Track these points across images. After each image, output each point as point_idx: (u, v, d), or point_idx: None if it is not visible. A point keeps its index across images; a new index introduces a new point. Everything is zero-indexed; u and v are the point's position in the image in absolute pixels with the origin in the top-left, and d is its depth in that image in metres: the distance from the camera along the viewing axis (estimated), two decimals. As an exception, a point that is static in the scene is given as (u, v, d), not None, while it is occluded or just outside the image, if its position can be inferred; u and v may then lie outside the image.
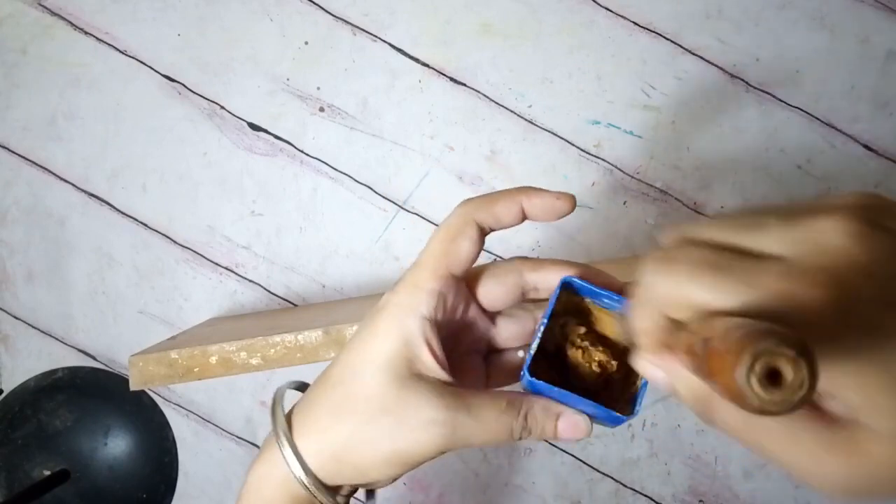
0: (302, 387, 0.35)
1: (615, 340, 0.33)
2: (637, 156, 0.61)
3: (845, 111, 0.60)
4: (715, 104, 0.61)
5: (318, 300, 0.61)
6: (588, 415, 0.30)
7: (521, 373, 0.30)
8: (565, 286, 0.31)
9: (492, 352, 0.35)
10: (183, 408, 0.61)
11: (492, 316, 0.34)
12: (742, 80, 0.61)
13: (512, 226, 0.31)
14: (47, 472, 0.61)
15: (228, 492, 0.61)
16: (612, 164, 0.61)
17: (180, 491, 0.61)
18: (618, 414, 0.29)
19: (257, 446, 0.61)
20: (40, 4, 0.61)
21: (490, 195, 0.31)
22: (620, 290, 0.31)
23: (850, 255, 0.20)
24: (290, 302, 0.61)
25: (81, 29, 0.61)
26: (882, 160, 0.61)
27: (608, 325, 0.33)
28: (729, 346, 0.18)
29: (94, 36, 0.61)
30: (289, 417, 0.32)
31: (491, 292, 0.32)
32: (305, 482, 0.30)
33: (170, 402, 0.61)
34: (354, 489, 0.32)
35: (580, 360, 0.32)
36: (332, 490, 0.31)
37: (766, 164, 0.61)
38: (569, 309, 0.32)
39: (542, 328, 0.30)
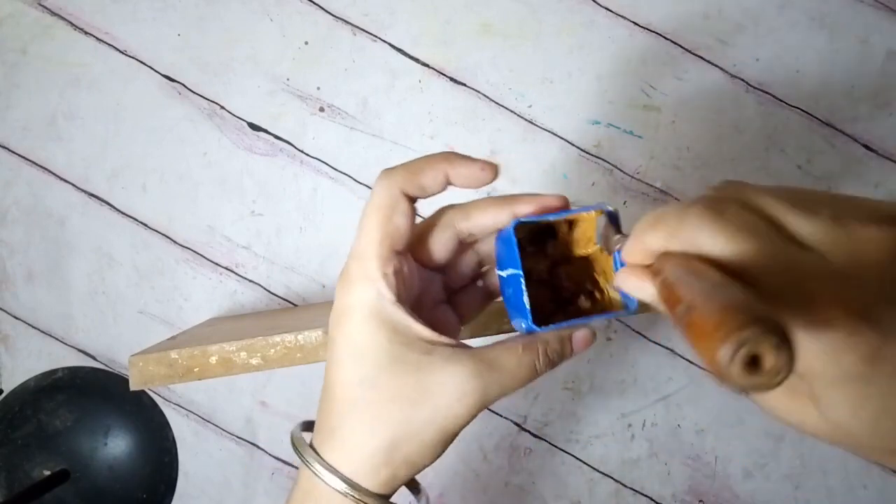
0: (311, 425, 0.34)
1: (583, 240, 0.34)
2: (637, 156, 0.61)
3: (845, 111, 0.60)
4: (715, 104, 0.61)
5: (318, 300, 0.61)
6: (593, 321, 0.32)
7: (524, 326, 0.31)
8: (517, 230, 0.31)
9: (451, 293, 0.36)
10: (183, 408, 0.61)
11: (440, 266, 0.34)
12: (742, 80, 0.61)
13: (437, 193, 0.31)
14: (47, 472, 0.61)
15: (228, 492, 0.61)
16: (612, 164, 0.61)
17: (180, 491, 0.61)
18: (614, 312, 0.32)
19: (257, 446, 0.61)
20: (40, 4, 0.61)
21: (413, 164, 0.31)
22: (563, 205, 0.31)
23: (884, 274, 0.21)
24: (290, 302, 0.61)
25: (81, 29, 0.61)
26: (882, 160, 0.61)
27: (576, 231, 0.34)
28: (714, 319, 0.18)
29: (94, 36, 0.61)
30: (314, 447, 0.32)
31: (433, 253, 0.33)
32: (355, 495, 0.29)
33: (170, 402, 0.61)
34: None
35: (567, 282, 0.33)
36: (384, 496, 0.30)
37: (766, 164, 0.61)
38: (529, 236, 0.33)
39: (521, 282, 0.30)
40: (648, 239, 0.25)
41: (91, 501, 0.61)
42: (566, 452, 0.61)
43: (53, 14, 0.61)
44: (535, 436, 0.61)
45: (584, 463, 0.61)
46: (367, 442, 0.29)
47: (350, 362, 0.30)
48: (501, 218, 0.32)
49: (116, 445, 0.61)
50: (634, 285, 0.26)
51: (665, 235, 0.24)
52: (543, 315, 0.31)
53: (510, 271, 0.31)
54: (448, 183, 0.31)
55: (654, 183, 0.61)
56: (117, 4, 0.61)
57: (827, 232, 0.22)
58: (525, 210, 0.31)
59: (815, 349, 0.21)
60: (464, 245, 0.34)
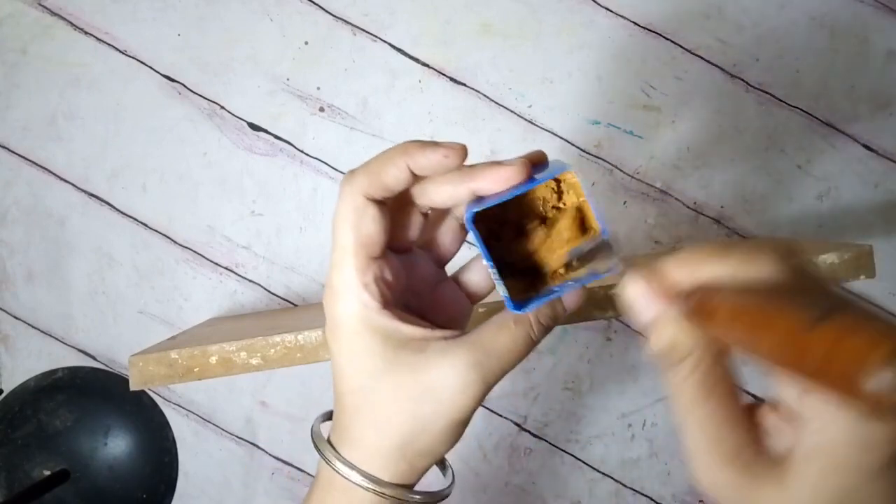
0: (331, 415, 0.34)
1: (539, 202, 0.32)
2: (637, 156, 0.61)
3: (845, 111, 0.60)
4: (715, 104, 0.61)
5: (318, 300, 0.61)
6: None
7: (512, 310, 0.30)
8: (476, 222, 0.29)
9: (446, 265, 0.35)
10: (183, 408, 0.61)
11: (420, 244, 0.34)
12: (742, 80, 0.61)
13: (406, 188, 0.30)
14: (47, 472, 0.61)
15: (228, 492, 0.61)
16: (612, 164, 0.61)
17: (180, 491, 0.61)
18: (601, 273, 0.30)
19: (257, 446, 0.61)
20: (40, 4, 0.61)
21: (372, 165, 0.29)
22: (526, 173, 0.29)
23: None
24: (290, 302, 0.61)
25: (81, 29, 0.61)
26: (882, 160, 0.61)
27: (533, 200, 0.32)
28: (864, 338, 0.17)
29: (94, 36, 0.61)
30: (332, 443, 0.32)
31: (402, 237, 0.32)
32: (375, 488, 0.30)
33: (170, 402, 0.61)
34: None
35: (547, 257, 0.32)
36: (406, 486, 0.31)
37: (765, 164, 0.61)
38: (496, 216, 0.32)
39: (494, 272, 0.29)
40: (712, 266, 0.24)
41: (91, 501, 0.61)
42: (566, 452, 0.61)
43: (53, 14, 0.61)
44: (535, 436, 0.61)
45: (584, 463, 0.61)
46: (379, 443, 0.30)
47: (350, 371, 0.30)
48: (459, 194, 0.30)
49: (116, 445, 0.61)
50: (652, 308, 0.25)
51: (720, 266, 0.23)
52: (525, 284, 0.30)
53: (484, 258, 0.30)
54: (414, 176, 0.30)
55: (654, 183, 0.61)
56: (117, 4, 0.61)
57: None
58: (482, 186, 0.29)
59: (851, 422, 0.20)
60: (438, 215, 0.33)
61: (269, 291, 0.61)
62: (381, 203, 0.30)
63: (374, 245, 0.30)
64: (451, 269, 0.35)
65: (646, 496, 0.61)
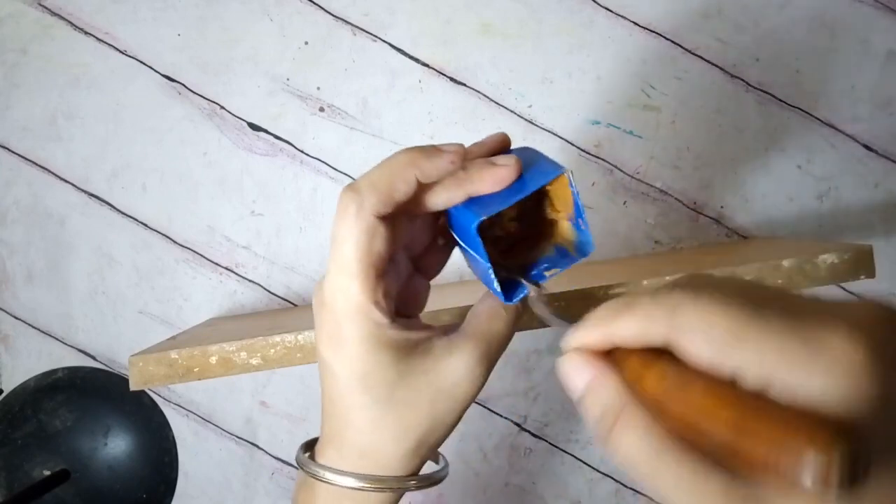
0: (312, 443, 0.34)
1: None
2: (637, 156, 0.61)
3: (845, 111, 0.60)
4: (715, 104, 0.61)
5: (318, 300, 0.61)
6: None
7: (505, 303, 0.31)
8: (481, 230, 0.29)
9: (414, 257, 0.35)
10: (183, 408, 0.61)
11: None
12: (742, 80, 0.61)
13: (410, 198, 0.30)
14: (47, 472, 0.61)
15: (228, 492, 0.61)
16: (612, 164, 0.61)
17: (180, 491, 0.61)
18: (575, 256, 0.32)
19: (257, 446, 0.61)
20: (40, 4, 0.61)
21: (380, 181, 0.29)
22: (517, 171, 0.29)
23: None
24: (290, 302, 0.61)
25: (81, 29, 0.61)
26: (882, 160, 0.61)
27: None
28: (793, 436, 0.18)
29: (94, 36, 0.61)
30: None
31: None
32: (379, 486, 0.30)
33: (170, 402, 0.61)
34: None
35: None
36: (409, 475, 0.32)
37: (766, 164, 0.61)
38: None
39: (490, 273, 0.30)
40: (618, 325, 0.23)
41: (91, 501, 0.61)
42: (566, 452, 0.61)
43: (53, 14, 0.61)
44: (535, 436, 0.61)
45: (584, 463, 0.61)
46: (396, 451, 0.30)
47: (360, 388, 0.29)
48: (456, 198, 0.30)
49: (116, 445, 0.61)
50: (590, 375, 0.24)
51: (641, 319, 0.22)
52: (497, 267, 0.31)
53: (474, 254, 0.30)
54: (420, 186, 0.29)
55: (654, 183, 0.61)
56: (117, 4, 0.61)
57: (829, 303, 0.21)
58: (480, 189, 0.29)
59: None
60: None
61: (269, 291, 0.61)
62: (386, 218, 0.29)
63: (382, 263, 0.29)
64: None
65: (646, 496, 0.61)
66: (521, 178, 0.30)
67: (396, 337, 0.30)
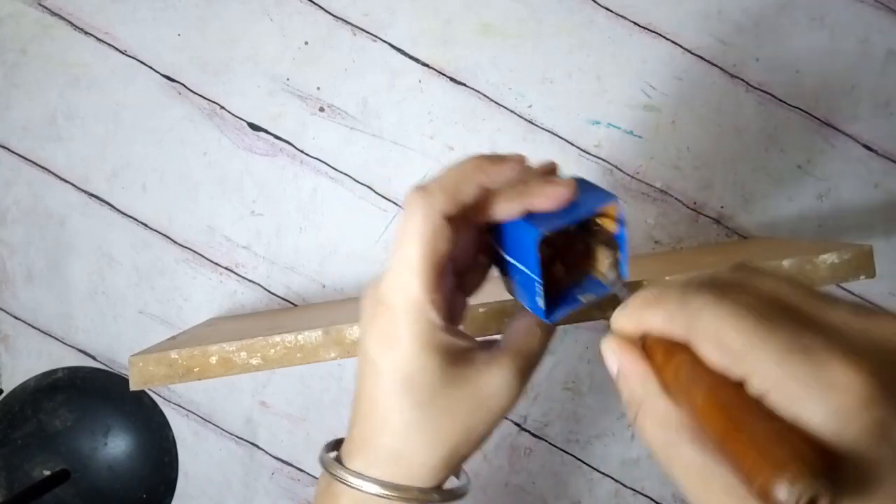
0: (337, 444, 0.34)
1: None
2: (637, 156, 0.61)
3: (845, 111, 0.60)
4: (715, 104, 0.61)
5: (318, 300, 0.61)
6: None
7: (545, 321, 0.32)
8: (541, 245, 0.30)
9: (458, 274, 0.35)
10: (183, 408, 0.61)
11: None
12: (742, 80, 0.61)
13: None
14: (47, 472, 0.61)
15: (228, 492, 0.61)
16: (612, 164, 0.61)
17: (180, 491, 0.61)
18: (606, 285, 0.33)
19: (257, 446, 0.61)
20: (40, 4, 0.61)
21: (450, 183, 0.30)
22: (572, 192, 0.30)
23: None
24: (290, 302, 0.61)
25: (81, 29, 0.61)
26: (882, 160, 0.61)
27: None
28: (772, 454, 0.19)
29: (94, 36, 0.61)
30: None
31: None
32: (405, 496, 0.30)
33: (170, 402, 0.61)
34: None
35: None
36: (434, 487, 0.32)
37: (766, 164, 0.61)
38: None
39: (539, 288, 0.30)
40: (647, 317, 0.25)
41: (91, 501, 0.61)
42: (566, 452, 0.61)
43: (53, 14, 0.61)
44: (535, 436, 0.61)
45: (584, 463, 0.61)
46: (428, 458, 0.30)
47: (404, 390, 0.30)
48: (514, 210, 0.31)
49: (116, 445, 0.61)
50: (621, 361, 0.26)
51: (665, 316, 0.24)
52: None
53: (523, 269, 0.31)
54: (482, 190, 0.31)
55: (654, 183, 0.61)
56: (117, 4, 0.61)
57: (849, 320, 0.22)
58: (539, 204, 0.30)
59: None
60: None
61: (269, 291, 0.61)
62: (451, 220, 0.30)
63: (443, 263, 0.30)
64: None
65: (646, 496, 0.61)
66: (573, 202, 0.31)
67: (446, 342, 0.30)
